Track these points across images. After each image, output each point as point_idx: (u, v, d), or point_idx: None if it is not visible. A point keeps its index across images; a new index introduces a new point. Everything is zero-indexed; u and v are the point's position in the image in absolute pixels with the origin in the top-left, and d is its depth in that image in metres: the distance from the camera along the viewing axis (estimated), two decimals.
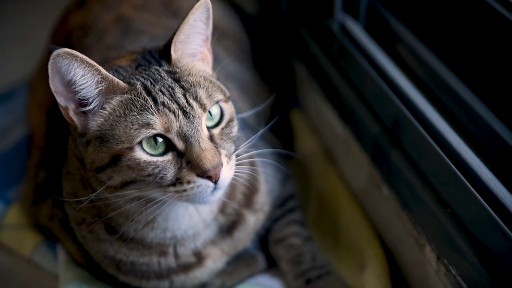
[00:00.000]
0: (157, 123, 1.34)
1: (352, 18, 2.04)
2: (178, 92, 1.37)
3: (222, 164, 1.37)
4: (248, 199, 1.68)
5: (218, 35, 1.82)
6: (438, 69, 1.72)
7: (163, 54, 1.45)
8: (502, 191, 1.43)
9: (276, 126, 1.72)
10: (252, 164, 1.62)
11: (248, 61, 2.17)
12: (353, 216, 1.91)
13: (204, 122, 1.39)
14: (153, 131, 1.34)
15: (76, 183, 1.54)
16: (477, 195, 1.43)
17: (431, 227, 1.58)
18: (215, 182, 1.37)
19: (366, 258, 1.77)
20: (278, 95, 2.12)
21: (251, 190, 1.68)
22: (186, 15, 1.41)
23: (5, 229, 1.95)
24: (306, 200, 2.01)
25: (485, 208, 1.40)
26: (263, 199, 1.72)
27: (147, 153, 1.35)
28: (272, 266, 1.81)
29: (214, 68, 1.54)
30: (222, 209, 1.63)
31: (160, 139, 1.35)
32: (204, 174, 1.35)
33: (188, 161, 1.35)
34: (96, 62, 1.34)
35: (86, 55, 1.34)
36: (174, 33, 1.42)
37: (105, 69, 1.38)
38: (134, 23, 1.94)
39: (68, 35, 1.96)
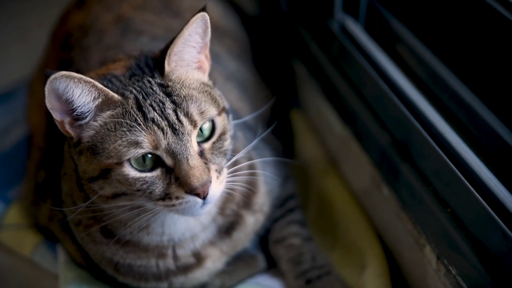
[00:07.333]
0: (145, 142, 1.33)
1: (352, 18, 2.03)
2: (169, 108, 1.36)
3: (210, 181, 1.36)
4: (247, 200, 1.68)
5: (218, 34, 1.81)
6: (438, 69, 1.71)
7: (157, 64, 1.43)
8: (502, 191, 1.43)
9: (276, 126, 1.72)
10: (251, 168, 1.61)
11: (248, 61, 2.17)
12: (353, 216, 1.90)
13: (194, 138, 1.37)
14: (141, 151, 1.33)
15: (72, 184, 1.54)
16: (477, 195, 1.43)
17: (431, 227, 1.58)
18: (204, 198, 1.37)
19: (366, 258, 1.77)
20: (278, 95, 2.12)
21: (250, 191, 1.68)
22: (181, 30, 1.38)
23: (5, 229, 1.95)
24: (306, 200, 2.01)
25: (485, 208, 1.40)
26: (262, 200, 1.72)
27: (136, 169, 1.35)
28: (272, 266, 1.81)
29: (214, 68, 1.52)
30: (221, 210, 1.63)
31: (149, 155, 1.35)
32: (192, 191, 1.35)
33: (176, 177, 1.35)
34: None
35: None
36: (169, 46, 1.40)
37: (99, 78, 1.37)
38: (134, 23, 1.94)
39: (68, 35, 1.96)
